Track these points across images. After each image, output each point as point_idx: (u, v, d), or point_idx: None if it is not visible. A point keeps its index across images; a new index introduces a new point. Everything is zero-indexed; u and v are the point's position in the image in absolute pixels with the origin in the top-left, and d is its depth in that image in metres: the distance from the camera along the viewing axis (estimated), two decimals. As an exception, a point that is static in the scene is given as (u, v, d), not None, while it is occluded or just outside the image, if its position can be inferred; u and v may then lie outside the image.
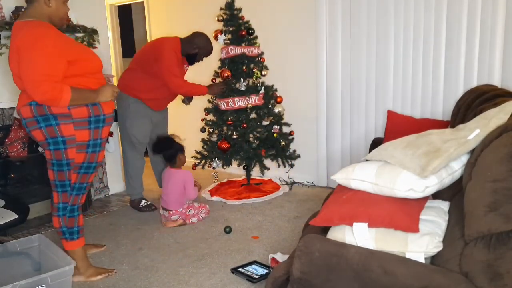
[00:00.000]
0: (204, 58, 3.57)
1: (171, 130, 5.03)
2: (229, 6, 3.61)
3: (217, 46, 3.75)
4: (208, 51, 3.52)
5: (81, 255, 2.39)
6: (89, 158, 2.31)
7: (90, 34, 3.51)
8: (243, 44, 3.65)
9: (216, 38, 3.66)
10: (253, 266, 2.44)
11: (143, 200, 3.58)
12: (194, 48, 3.43)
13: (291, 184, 4.07)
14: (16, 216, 2.69)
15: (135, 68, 3.40)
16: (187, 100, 3.70)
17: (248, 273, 2.36)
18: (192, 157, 3.93)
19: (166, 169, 3.32)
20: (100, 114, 2.29)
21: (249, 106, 3.60)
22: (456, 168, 1.53)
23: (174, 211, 3.19)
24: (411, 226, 1.39)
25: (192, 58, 3.48)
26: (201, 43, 3.46)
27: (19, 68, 2.08)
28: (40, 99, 2.07)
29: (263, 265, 2.45)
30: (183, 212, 3.20)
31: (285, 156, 3.79)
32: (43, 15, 2.17)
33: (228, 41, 3.65)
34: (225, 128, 3.75)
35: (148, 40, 5.20)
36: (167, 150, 3.25)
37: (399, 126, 2.89)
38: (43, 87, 2.04)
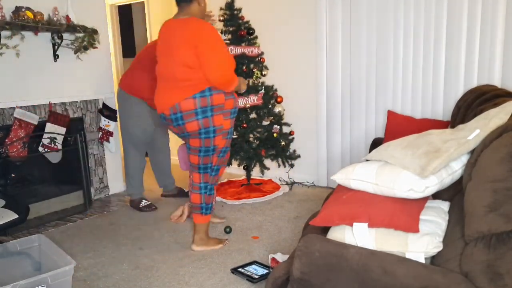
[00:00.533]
0: None
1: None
2: (229, 6, 3.61)
3: (217, 46, 3.75)
4: None
5: (207, 228, 2.75)
6: (227, 143, 2.67)
7: (90, 34, 3.51)
8: (243, 44, 3.65)
9: (216, 38, 3.66)
10: (253, 266, 2.44)
11: (143, 200, 3.58)
12: None
13: (291, 184, 4.07)
14: (16, 216, 2.69)
15: (138, 67, 3.39)
16: None
17: (248, 273, 2.36)
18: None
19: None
20: (235, 106, 2.62)
21: (247, 106, 3.60)
22: (456, 168, 1.53)
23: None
24: (411, 226, 1.39)
25: None
26: None
27: (202, 57, 2.35)
28: (223, 80, 2.42)
29: (263, 265, 2.45)
30: None
31: (285, 156, 3.78)
32: (197, 13, 2.52)
33: (228, 41, 3.65)
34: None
35: (148, 40, 5.20)
36: None
37: (399, 126, 2.89)
38: (229, 70, 2.44)
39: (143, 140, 3.49)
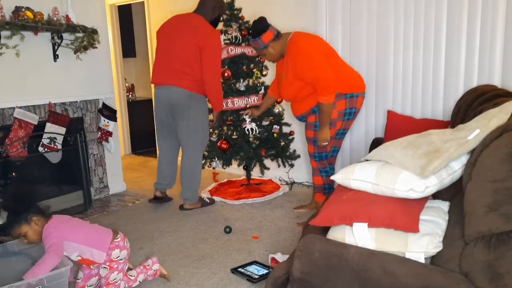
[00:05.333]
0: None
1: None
2: (229, 6, 3.61)
3: (217, 46, 3.74)
4: (223, 3, 3.46)
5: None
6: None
7: (90, 34, 3.51)
8: (243, 44, 3.64)
9: (216, 38, 3.66)
10: (253, 266, 2.44)
11: (205, 198, 3.63)
12: (214, 11, 3.36)
13: (291, 184, 4.07)
14: (16, 216, 2.68)
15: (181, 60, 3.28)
16: None
17: (248, 273, 2.36)
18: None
19: None
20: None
21: (248, 106, 3.60)
22: (456, 168, 1.52)
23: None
24: (411, 226, 1.39)
25: (216, 22, 3.44)
26: (216, 3, 3.37)
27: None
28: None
29: (263, 265, 2.44)
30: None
31: (285, 156, 3.78)
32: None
33: (228, 41, 3.65)
34: (225, 128, 3.75)
35: (148, 40, 5.18)
36: None
37: (399, 126, 2.88)
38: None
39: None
